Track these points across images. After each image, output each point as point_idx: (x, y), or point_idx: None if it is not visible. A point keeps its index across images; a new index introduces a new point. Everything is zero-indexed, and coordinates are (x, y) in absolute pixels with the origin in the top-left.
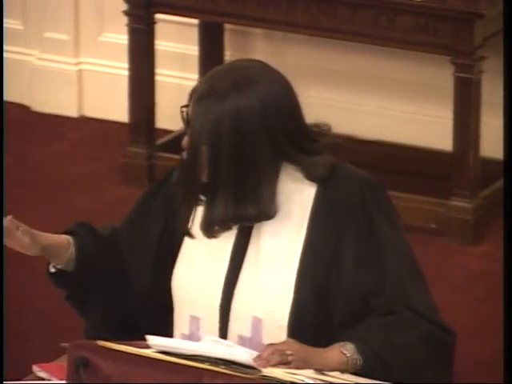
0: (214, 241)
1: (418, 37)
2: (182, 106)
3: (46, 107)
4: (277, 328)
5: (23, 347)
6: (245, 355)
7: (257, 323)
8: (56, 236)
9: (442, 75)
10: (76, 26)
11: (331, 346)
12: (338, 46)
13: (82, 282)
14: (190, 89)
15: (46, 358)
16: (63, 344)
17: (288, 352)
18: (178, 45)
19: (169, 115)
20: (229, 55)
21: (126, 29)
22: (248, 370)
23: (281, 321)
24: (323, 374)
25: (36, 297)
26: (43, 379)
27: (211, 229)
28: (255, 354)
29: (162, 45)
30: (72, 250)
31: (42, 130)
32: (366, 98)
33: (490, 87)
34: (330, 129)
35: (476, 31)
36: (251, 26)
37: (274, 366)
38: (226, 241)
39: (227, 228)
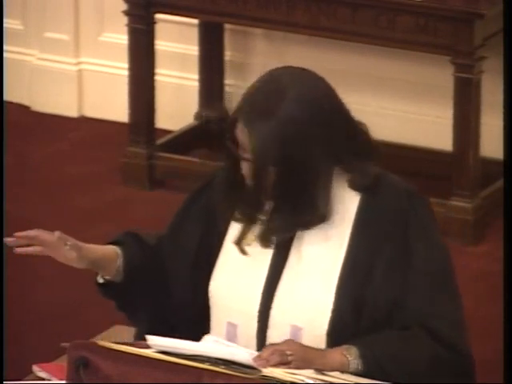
0: (253, 247)
1: (418, 37)
2: (226, 136)
3: (46, 107)
4: (316, 337)
5: (23, 347)
6: (245, 355)
7: (296, 332)
8: (104, 248)
9: (442, 75)
10: (76, 26)
11: (335, 348)
12: (338, 46)
13: (130, 292)
14: (190, 89)
15: (46, 358)
16: (63, 344)
17: (288, 352)
18: (177, 45)
19: (169, 115)
20: (229, 55)
21: (125, 29)
22: (248, 370)
23: (320, 330)
24: (323, 374)
25: (36, 297)
26: (43, 379)
27: (270, 239)
28: (255, 354)
29: (161, 45)
30: (120, 261)
31: (42, 130)
32: (366, 98)
33: (490, 87)
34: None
35: (476, 31)
36: (251, 25)
37: (274, 366)
38: (265, 250)
39: (285, 237)
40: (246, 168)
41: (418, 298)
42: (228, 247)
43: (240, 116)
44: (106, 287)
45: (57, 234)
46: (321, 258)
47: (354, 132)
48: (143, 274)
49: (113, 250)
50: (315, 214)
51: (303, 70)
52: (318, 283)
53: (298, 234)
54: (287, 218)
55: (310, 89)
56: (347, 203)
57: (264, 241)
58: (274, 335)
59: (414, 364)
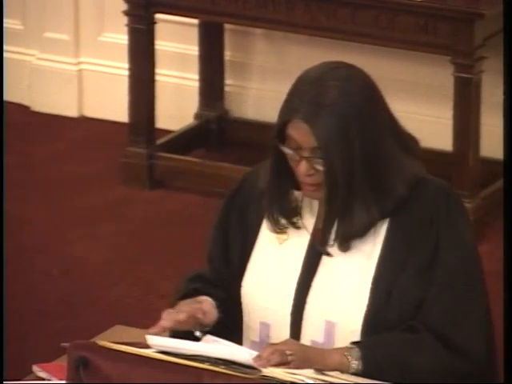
0: (285, 247)
1: (418, 37)
2: (275, 141)
3: (45, 107)
4: (350, 332)
5: (23, 347)
6: (245, 355)
7: (330, 328)
8: (211, 310)
9: (442, 75)
10: (76, 26)
11: (336, 349)
12: (338, 46)
13: (226, 324)
14: (190, 89)
15: (46, 358)
16: (63, 344)
17: (288, 352)
18: (177, 45)
19: (169, 115)
20: (229, 55)
21: (125, 29)
22: (248, 370)
23: (354, 325)
24: (323, 374)
25: (36, 297)
26: (43, 379)
27: (352, 240)
28: (255, 354)
29: (161, 45)
30: (215, 311)
31: (41, 130)
32: None
33: (490, 87)
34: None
35: (476, 31)
36: (251, 26)
37: (274, 366)
38: (299, 247)
39: (364, 235)
40: (304, 167)
41: (435, 300)
42: (260, 247)
43: (293, 115)
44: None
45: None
46: (356, 253)
47: (399, 126)
48: (226, 305)
49: (211, 305)
50: (393, 197)
51: (339, 62)
52: (353, 279)
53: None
54: (369, 214)
55: (356, 79)
56: None
57: (345, 243)
58: (309, 333)
59: (417, 368)
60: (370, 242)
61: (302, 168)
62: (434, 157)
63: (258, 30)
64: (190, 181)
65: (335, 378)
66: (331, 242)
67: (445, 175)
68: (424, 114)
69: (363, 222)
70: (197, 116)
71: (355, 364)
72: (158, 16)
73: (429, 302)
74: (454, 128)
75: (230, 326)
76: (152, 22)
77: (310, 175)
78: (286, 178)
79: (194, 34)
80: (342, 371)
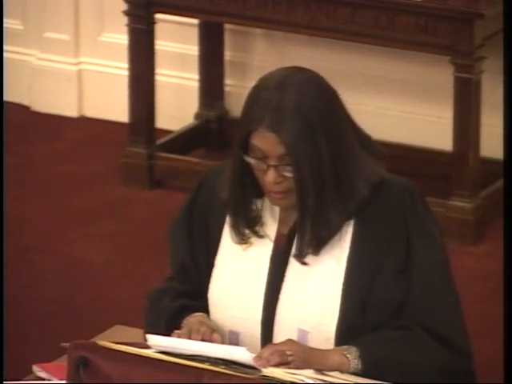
0: (249, 254)
1: (418, 37)
2: (238, 151)
3: (45, 107)
4: (324, 340)
5: (23, 347)
6: (245, 355)
7: (303, 336)
8: (208, 324)
9: (441, 75)
10: (76, 26)
11: (335, 348)
12: (338, 46)
13: None
14: (190, 89)
15: (46, 358)
16: (63, 344)
17: (288, 352)
18: (177, 45)
19: (169, 115)
20: (229, 55)
21: (125, 29)
22: (248, 370)
23: (328, 333)
24: (323, 374)
25: (36, 297)
26: (43, 379)
27: (325, 243)
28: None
29: (161, 45)
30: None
31: (41, 130)
32: (365, 98)
33: (490, 87)
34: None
35: (476, 31)
36: (251, 26)
37: (275, 366)
38: (263, 253)
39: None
40: (272, 176)
41: (419, 296)
42: (223, 254)
43: (257, 124)
44: None
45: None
46: (324, 259)
47: (358, 127)
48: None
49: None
50: (357, 197)
51: (294, 67)
52: (324, 285)
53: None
54: (340, 215)
55: (312, 82)
56: None
57: (318, 247)
58: (281, 340)
59: (415, 366)
60: (337, 246)
61: (269, 177)
62: (434, 157)
63: (258, 30)
64: (190, 181)
65: (335, 378)
66: (307, 249)
67: (445, 175)
68: (424, 114)
69: (336, 223)
70: (197, 116)
71: (354, 363)
72: (158, 16)
73: (413, 302)
74: (454, 128)
75: None
76: (152, 22)
77: (278, 183)
78: (249, 188)
79: (194, 34)
80: (342, 371)
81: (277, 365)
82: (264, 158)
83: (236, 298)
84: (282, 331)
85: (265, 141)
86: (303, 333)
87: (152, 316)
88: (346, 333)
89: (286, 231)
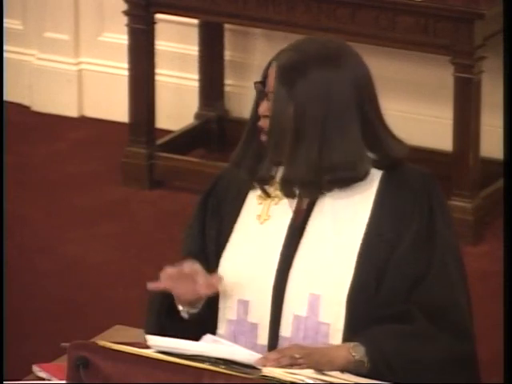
0: (266, 226)
1: (418, 37)
2: (257, 82)
3: (45, 107)
4: (335, 304)
5: (23, 347)
6: (245, 355)
7: (314, 301)
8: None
9: (442, 75)
10: (76, 26)
11: (340, 345)
12: None
13: (205, 316)
14: (190, 89)
15: (46, 358)
16: (63, 344)
17: (297, 355)
18: (177, 45)
19: (169, 115)
20: (229, 55)
21: (125, 29)
22: (248, 370)
23: (340, 296)
24: (323, 374)
25: (36, 297)
26: (43, 379)
27: (292, 186)
28: (255, 354)
29: (162, 45)
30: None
31: (42, 130)
32: None
33: (490, 87)
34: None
35: (476, 31)
36: (251, 26)
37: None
38: (280, 225)
39: (308, 187)
40: (262, 106)
41: (439, 271)
42: (240, 228)
43: (279, 62)
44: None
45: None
46: (341, 229)
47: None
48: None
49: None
50: (347, 164)
51: (349, 45)
52: (338, 252)
53: (319, 203)
54: (311, 161)
55: (358, 61)
56: (368, 180)
57: (286, 187)
58: (291, 307)
59: (422, 360)
60: (357, 217)
61: (260, 107)
62: (434, 157)
63: (258, 30)
64: (190, 181)
65: (335, 377)
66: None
67: (445, 175)
68: (424, 114)
69: (303, 171)
70: (197, 116)
71: (362, 362)
72: (158, 16)
73: (430, 279)
74: (454, 128)
75: (204, 318)
76: (152, 22)
77: (265, 116)
78: (258, 141)
79: (194, 34)
80: (350, 369)
81: (286, 366)
82: (269, 91)
83: (249, 266)
84: (294, 296)
85: (271, 71)
86: (314, 297)
87: (148, 313)
88: (359, 297)
89: (304, 206)
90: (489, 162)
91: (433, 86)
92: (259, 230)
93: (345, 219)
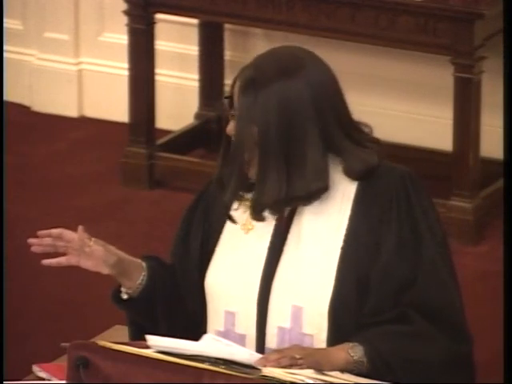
0: (251, 236)
1: (418, 37)
2: (225, 97)
3: (46, 107)
4: (317, 315)
5: (23, 347)
6: (245, 355)
7: (297, 312)
8: (128, 256)
9: (442, 75)
10: (76, 26)
11: (340, 346)
12: (338, 46)
13: (150, 306)
14: (190, 89)
15: (45, 358)
16: (63, 344)
17: (297, 356)
18: (177, 45)
19: (169, 115)
20: (229, 55)
21: (125, 29)
22: (248, 370)
23: (322, 308)
24: (323, 374)
25: (36, 297)
26: (43, 379)
27: (261, 211)
28: (255, 354)
29: (162, 45)
30: (145, 273)
31: (42, 130)
32: (365, 98)
33: (490, 87)
34: (371, 131)
35: (476, 31)
36: (251, 26)
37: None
38: (264, 235)
39: (278, 210)
40: (230, 125)
41: (428, 270)
42: (225, 238)
43: (240, 80)
44: (125, 303)
45: (80, 227)
46: (321, 235)
47: (349, 119)
48: (163, 289)
49: (138, 260)
50: (309, 188)
51: (311, 52)
52: (319, 263)
53: (298, 213)
54: (279, 189)
55: (318, 70)
56: (348, 183)
57: (255, 213)
58: (275, 319)
59: (420, 361)
60: (335, 226)
61: (228, 126)
62: (434, 157)
63: (258, 30)
64: (190, 181)
65: (335, 377)
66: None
67: (445, 175)
68: (424, 114)
69: (271, 198)
70: (197, 116)
71: (361, 362)
72: (158, 16)
73: (420, 280)
74: (454, 128)
75: (192, 316)
76: (152, 22)
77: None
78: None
79: (194, 34)
80: (349, 370)
81: (286, 367)
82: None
83: (234, 277)
84: (277, 309)
85: (235, 90)
86: (297, 309)
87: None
88: (341, 308)
89: (286, 213)
90: (489, 162)
91: (433, 86)
92: (244, 240)
93: (323, 228)
